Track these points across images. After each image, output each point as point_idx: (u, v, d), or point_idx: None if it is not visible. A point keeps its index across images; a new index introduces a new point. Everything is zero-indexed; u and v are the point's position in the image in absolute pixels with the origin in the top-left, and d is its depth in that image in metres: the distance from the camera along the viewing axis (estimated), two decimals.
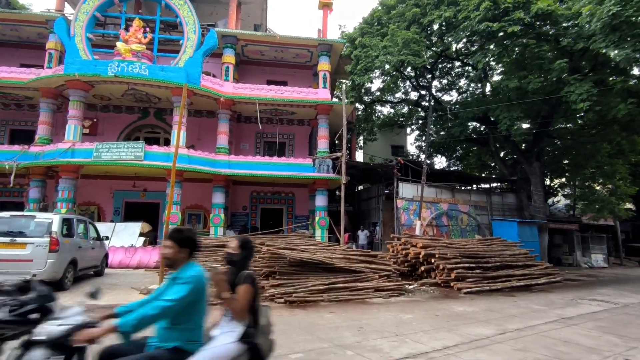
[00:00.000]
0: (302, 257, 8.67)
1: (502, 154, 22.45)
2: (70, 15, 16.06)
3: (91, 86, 14.93)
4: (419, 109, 23.81)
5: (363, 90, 20.58)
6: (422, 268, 10.59)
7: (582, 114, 16.04)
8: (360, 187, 23.18)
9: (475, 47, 18.13)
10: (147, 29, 15.63)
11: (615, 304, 8.78)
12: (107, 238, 11.01)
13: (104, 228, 12.65)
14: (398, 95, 25.06)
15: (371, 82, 18.82)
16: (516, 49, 16.03)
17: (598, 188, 21.28)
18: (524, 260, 11.76)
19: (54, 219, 8.11)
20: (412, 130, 27.36)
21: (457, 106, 20.85)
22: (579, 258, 19.95)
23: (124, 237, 13.91)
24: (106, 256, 11.13)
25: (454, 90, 23.99)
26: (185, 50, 15.41)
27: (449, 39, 18.14)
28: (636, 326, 6.55)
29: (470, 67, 20.88)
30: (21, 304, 2.62)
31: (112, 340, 2.25)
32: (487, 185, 22.65)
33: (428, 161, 17.90)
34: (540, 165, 18.78)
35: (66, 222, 8.63)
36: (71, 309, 2.64)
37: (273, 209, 19.04)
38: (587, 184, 21.26)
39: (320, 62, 17.89)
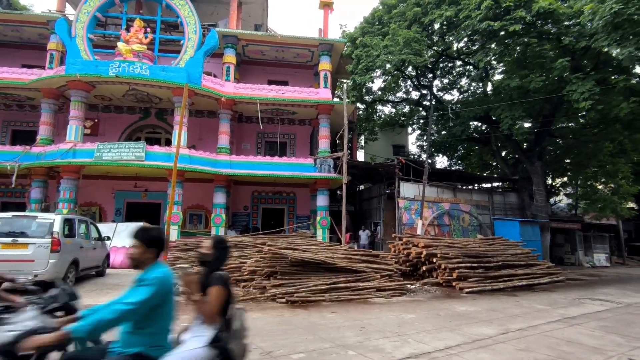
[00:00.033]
0: (304, 257, 8.66)
1: (503, 153, 22.40)
2: (72, 15, 16.08)
3: (92, 86, 14.95)
4: (420, 109, 23.76)
5: (364, 90, 20.55)
6: (424, 268, 10.57)
7: (584, 112, 15.98)
8: (362, 187, 23.15)
9: (477, 46, 18.08)
10: (148, 29, 15.64)
11: (618, 304, 8.74)
12: (108, 238, 11.02)
13: (105, 228, 12.64)
14: (399, 94, 25.04)
15: (372, 82, 18.79)
16: (517, 47, 15.97)
17: (600, 187, 21.23)
18: (526, 259, 11.73)
19: (56, 220, 8.11)
20: (414, 130, 27.32)
21: (459, 105, 20.81)
22: (581, 257, 19.89)
23: (125, 237, 13.87)
24: (108, 256, 11.14)
25: (455, 90, 23.95)
26: (186, 50, 15.41)
27: (450, 38, 18.09)
28: None
29: (471, 67, 20.83)
30: (46, 303, 2.80)
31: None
32: (488, 185, 22.60)
33: (429, 161, 17.84)
34: (542, 164, 18.72)
35: (68, 223, 8.63)
36: (24, 314, 2.52)
37: (274, 208, 19.04)
38: (589, 183, 21.20)
39: (321, 62, 17.88)
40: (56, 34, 15.46)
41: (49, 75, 15.01)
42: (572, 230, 20.13)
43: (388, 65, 16.82)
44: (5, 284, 2.92)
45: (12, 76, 15.52)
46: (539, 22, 14.55)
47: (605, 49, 12.66)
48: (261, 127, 17.90)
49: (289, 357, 4.40)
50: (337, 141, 19.71)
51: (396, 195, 16.24)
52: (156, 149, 14.63)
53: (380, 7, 19.87)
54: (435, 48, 19.68)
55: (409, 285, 9.70)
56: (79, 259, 8.65)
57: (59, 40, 15.63)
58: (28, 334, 2.17)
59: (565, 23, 14.54)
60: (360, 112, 23.98)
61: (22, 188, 15.52)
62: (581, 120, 18.75)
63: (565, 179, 23.89)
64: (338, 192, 19.07)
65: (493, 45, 16.01)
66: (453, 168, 25.92)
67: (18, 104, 17.39)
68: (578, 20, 13.72)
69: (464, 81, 23.22)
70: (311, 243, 11.38)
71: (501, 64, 19.27)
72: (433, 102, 20.25)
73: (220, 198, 15.78)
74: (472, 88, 22.92)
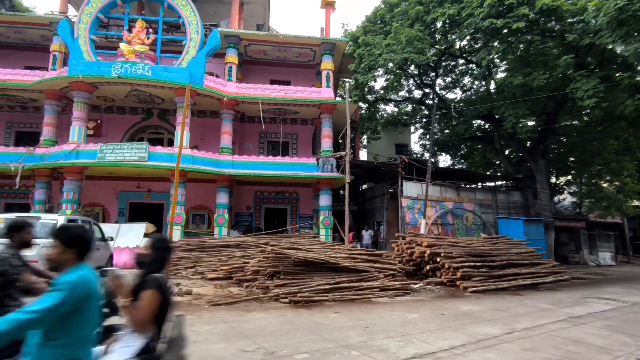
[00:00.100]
0: (307, 257, 8.63)
1: (507, 152, 22.29)
2: (74, 17, 16.13)
3: (95, 87, 14.98)
4: (423, 107, 23.68)
5: (366, 89, 20.50)
6: (428, 267, 10.52)
7: (589, 110, 15.86)
8: (365, 186, 23.10)
9: (479, 44, 17.99)
10: (150, 30, 15.66)
11: (624, 303, 8.67)
12: (111, 239, 11.04)
13: (108, 229, 12.66)
14: (402, 93, 24.95)
15: (375, 81, 18.74)
16: (521, 45, 15.88)
17: (605, 185, 21.07)
18: (530, 258, 11.66)
19: (59, 220, 8.14)
20: (416, 129, 27.25)
21: (462, 104, 20.71)
22: (586, 256, 19.76)
23: (128, 237, 13.89)
24: (111, 257, 11.17)
25: (458, 88, 23.85)
26: (188, 50, 15.42)
27: (453, 37, 18.01)
28: None
29: (474, 65, 20.74)
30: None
31: None
32: (492, 184, 22.51)
33: (432, 159, 17.76)
34: (545, 162, 18.61)
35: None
36: None
37: (277, 208, 19.02)
38: (593, 181, 21.05)
39: (324, 61, 17.84)
40: (59, 36, 15.50)
41: (52, 77, 15.05)
42: (576, 228, 20.00)
43: (390, 64, 16.76)
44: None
45: (15, 78, 15.57)
46: (542, 19, 14.45)
47: (610, 46, 12.57)
48: (263, 127, 17.88)
49: (293, 357, 4.38)
50: (340, 140, 19.66)
51: (399, 195, 16.18)
52: (159, 149, 14.64)
53: (383, 6, 19.80)
54: (437, 46, 19.60)
55: (412, 285, 9.66)
56: None
57: (62, 41, 15.67)
58: None
59: (569, 20, 14.44)
60: (363, 111, 23.92)
61: (26, 189, 15.58)
62: (585, 118, 18.62)
63: (569, 177, 23.74)
64: (341, 191, 19.04)
65: (496, 43, 15.92)
66: (456, 167, 25.83)
67: (21, 106, 17.46)
68: (582, 17, 13.61)
69: (466, 79, 23.14)
70: (314, 243, 11.36)
71: (504, 62, 19.17)
72: (436, 101, 20.16)
73: (223, 198, 15.78)
74: (475, 86, 22.83)
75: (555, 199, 24.49)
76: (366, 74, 17.08)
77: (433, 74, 21.73)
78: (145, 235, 14.38)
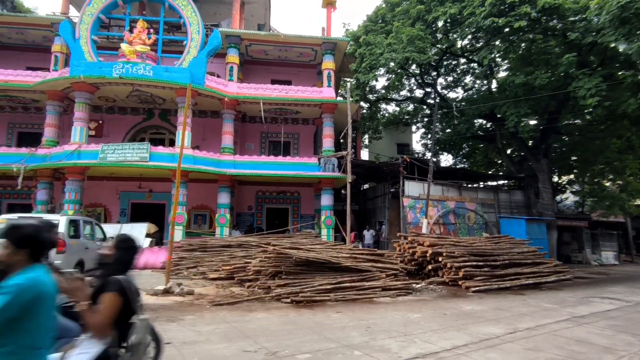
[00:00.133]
0: (308, 257, 8.62)
1: (509, 151, 22.22)
2: (75, 18, 16.16)
3: (96, 88, 15.00)
4: (425, 107, 23.64)
5: (368, 89, 20.48)
6: (430, 267, 10.49)
7: (591, 109, 15.80)
8: (366, 186, 23.07)
9: (481, 43, 17.94)
10: (151, 30, 15.67)
11: (628, 302, 8.62)
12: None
13: (110, 229, 12.65)
14: (403, 93, 24.91)
15: (376, 80, 18.73)
16: (522, 44, 15.83)
17: (608, 184, 20.98)
18: (532, 258, 11.61)
19: (61, 221, 8.14)
20: (418, 128, 27.19)
21: (463, 103, 20.66)
22: (588, 255, 19.68)
23: None
24: None
25: (459, 87, 23.78)
26: (189, 50, 15.42)
27: (454, 36, 17.97)
28: None
29: (475, 64, 20.68)
30: None
31: None
32: (494, 183, 22.45)
33: (434, 159, 17.71)
34: (547, 161, 18.55)
35: (73, 224, 8.67)
36: None
37: (278, 208, 19.01)
38: (596, 180, 20.97)
39: (325, 61, 17.82)
40: (60, 36, 15.54)
41: (54, 78, 15.07)
42: (579, 228, 19.93)
43: (392, 64, 16.73)
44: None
45: (17, 79, 15.61)
46: (544, 17, 14.40)
47: (613, 44, 12.51)
48: (265, 127, 17.87)
49: (294, 357, 4.36)
50: (341, 140, 19.63)
51: (401, 194, 16.15)
52: (160, 149, 14.65)
53: (384, 6, 19.77)
54: (439, 46, 19.56)
55: (414, 285, 9.63)
56: (84, 259, 8.68)
57: (63, 42, 15.69)
58: None
59: (571, 18, 14.38)
60: (364, 110, 23.89)
61: (28, 190, 15.62)
62: (588, 117, 18.54)
63: (571, 176, 23.66)
64: (342, 191, 19.01)
65: (497, 42, 15.88)
66: (458, 166, 25.77)
67: (23, 107, 17.51)
68: (584, 16, 13.56)
69: (468, 79, 23.08)
70: (316, 242, 11.35)
71: (506, 61, 19.12)
72: (437, 100, 20.12)
73: (224, 198, 15.79)
74: (476, 85, 22.77)
75: (558, 198, 24.40)
76: (367, 73, 17.05)
77: (434, 73, 21.68)
78: (147, 235, 14.42)
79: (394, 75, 20.49)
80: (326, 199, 16.49)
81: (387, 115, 26.34)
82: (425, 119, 24.75)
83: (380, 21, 19.29)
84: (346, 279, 8.47)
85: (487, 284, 9.66)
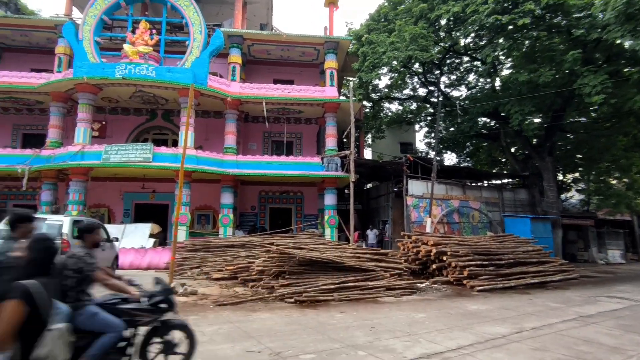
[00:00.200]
0: (312, 256, 8.58)
1: (513, 149, 22.07)
2: (79, 19, 16.21)
3: (99, 89, 15.05)
4: (428, 105, 23.52)
5: (371, 88, 20.38)
6: (434, 266, 10.43)
7: (597, 107, 15.64)
8: (369, 185, 23.00)
9: (484, 41, 17.80)
10: (154, 31, 15.70)
11: (636, 301, 8.52)
12: (117, 239, 11.06)
13: (114, 229, 12.71)
14: (406, 91, 24.77)
15: (379, 79, 18.63)
16: (526, 41, 15.67)
17: (614, 182, 20.78)
18: (537, 257, 11.52)
19: (65, 221, 8.16)
20: (421, 127, 27.04)
21: (467, 101, 20.54)
22: (594, 254, 19.51)
23: (134, 238, 13.98)
24: (116, 257, 11.17)
25: (462, 86, 23.62)
26: (192, 51, 15.43)
27: (457, 34, 17.83)
28: None
29: (479, 62, 20.52)
30: (151, 296, 3.30)
31: None
32: (498, 181, 22.29)
33: (438, 158, 17.62)
34: (552, 160, 18.40)
35: (76, 224, 8.67)
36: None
37: (282, 208, 19.00)
38: (602, 178, 20.78)
39: (327, 60, 17.77)
40: (64, 38, 15.60)
41: (57, 79, 15.15)
42: (584, 226, 19.76)
43: (394, 62, 16.65)
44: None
45: (21, 80, 15.70)
46: (549, 14, 14.26)
47: (618, 41, 12.36)
48: (267, 127, 17.85)
49: (298, 357, 4.33)
50: (344, 139, 19.60)
51: (404, 193, 16.07)
52: (163, 150, 14.68)
53: (386, 4, 19.69)
54: (442, 44, 19.45)
55: (418, 284, 9.58)
56: None
57: (67, 44, 15.76)
58: None
59: (576, 15, 14.23)
60: (367, 110, 23.80)
61: (33, 191, 15.70)
62: (593, 115, 18.34)
63: (576, 174, 23.46)
64: (345, 190, 18.96)
65: (501, 40, 15.73)
66: (462, 165, 25.61)
67: (28, 108, 17.60)
68: (589, 12, 13.42)
69: (471, 77, 22.90)
70: (319, 242, 11.32)
71: (509, 59, 18.95)
72: (441, 99, 20.01)
73: (227, 198, 15.79)
74: (480, 84, 22.61)
75: (563, 196, 24.21)
76: (370, 72, 16.98)
77: (437, 71, 21.56)
78: (151, 235, 14.46)
79: (396, 74, 20.38)
80: (329, 199, 16.45)
81: (390, 114, 26.23)
82: (429, 118, 24.62)
83: (382, 20, 19.20)
84: (350, 278, 8.43)
85: (492, 283, 9.58)
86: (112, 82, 14.50)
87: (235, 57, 17.07)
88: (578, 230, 20.13)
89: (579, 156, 20.97)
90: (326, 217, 16.29)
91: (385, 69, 18.22)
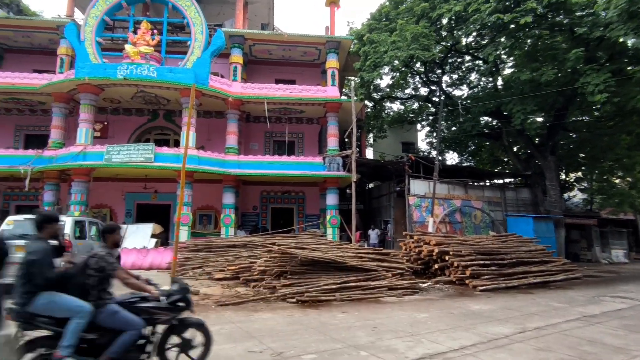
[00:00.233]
0: (313, 256, 8.56)
1: (515, 149, 21.98)
2: (81, 20, 16.24)
3: (101, 89, 15.07)
4: (429, 105, 23.47)
5: (372, 87, 20.33)
6: (436, 266, 10.39)
7: (599, 105, 15.56)
8: (371, 185, 22.96)
9: (486, 40, 17.75)
10: (155, 31, 15.72)
11: None
12: None
13: None
14: (408, 91, 24.74)
15: (380, 79, 18.59)
16: (528, 40, 15.62)
17: (617, 181, 20.67)
18: (540, 256, 11.46)
19: (66, 222, 8.17)
20: (423, 127, 26.98)
21: (469, 101, 20.47)
22: (598, 254, 19.41)
23: (136, 238, 13.99)
24: (119, 258, 11.19)
25: (464, 85, 23.57)
26: (193, 51, 15.44)
27: (459, 33, 17.78)
28: None
29: (480, 61, 20.48)
30: (169, 294, 3.41)
31: None
32: (500, 181, 22.21)
33: (440, 157, 17.56)
34: (555, 159, 18.31)
35: (78, 225, 8.70)
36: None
37: (283, 208, 18.99)
38: (605, 177, 20.67)
39: (329, 60, 17.75)
40: (66, 39, 15.63)
41: (59, 80, 15.19)
42: (588, 226, 19.66)
43: (396, 61, 16.61)
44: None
45: (23, 81, 15.74)
46: (551, 13, 14.19)
47: (621, 39, 12.28)
48: (269, 127, 17.84)
49: (300, 357, 4.31)
50: (346, 139, 19.57)
51: (406, 193, 16.04)
52: (165, 150, 14.69)
53: (387, 3, 19.65)
54: (443, 43, 19.38)
55: (421, 284, 9.54)
56: None
57: (69, 45, 15.79)
58: None
59: (578, 13, 14.16)
60: (369, 109, 23.79)
61: (36, 191, 15.74)
62: (596, 113, 18.26)
63: (579, 173, 23.36)
64: (347, 190, 18.94)
65: (503, 39, 15.69)
66: (464, 164, 25.55)
67: (30, 109, 17.65)
68: (592, 10, 13.34)
69: (473, 76, 22.85)
70: (321, 242, 11.30)
71: (511, 58, 18.90)
72: (442, 98, 19.95)
73: (229, 198, 15.79)
74: (482, 83, 22.54)
75: (565, 195, 24.10)
76: (372, 71, 16.95)
77: (439, 71, 21.50)
78: (153, 236, 14.48)
79: (398, 74, 20.32)
80: (331, 199, 16.43)
81: (391, 113, 26.20)
82: (430, 117, 24.56)
83: (384, 19, 19.16)
84: (352, 278, 8.41)
85: (494, 283, 9.54)
86: (113, 82, 14.52)
87: (237, 57, 17.07)
88: (581, 230, 20.04)
89: (581, 155, 20.87)
90: (328, 217, 16.27)
91: (386, 69, 18.19)
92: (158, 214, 16.65)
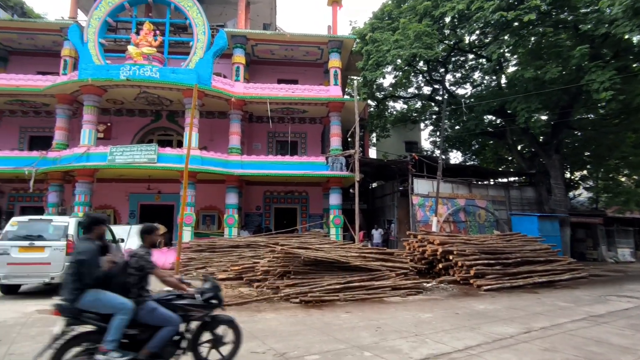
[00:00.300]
0: (317, 256, 8.53)
1: (519, 147, 21.84)
2: (84, 22, 16.32)
3: (104, 90, 15.13)
4: (433, 104, 23.37)
5: (375, 86, 20.30)
6: (440, 265, 10.33)
7: (604, 103, 15.41)
8: (375, 185, 22.91)
9: (489, 38, 17.65)
10: (158, 32, 15.76)
11: None
12: (122, 240, 11.09)
13: (119, 230, 12.73)
14: (411, 90, 24.67)
15: (383, 78, 18.56)
16: (532, 38, 15.51)
17: (623, 179, 20.47)
18: (545, 255, 11.37)
19: (70, 222, 8.19)
20: (426, 126, 26.90)
21: (472, 99, 20.36)
22: (604, 253, 19.22)
23: (139, 239, 14.01)
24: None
25: (468, 84, 23.44)
26: (196, 51, 15.46)
27: (462, 31, 17.70)
28: None
29: (484, 59, 20.35)
30: (202, 292, 3.56)
31: None
32: (504, 180, 22.08)
33: (443, 156, 17.47)
34: (559, 157, 18.17)
35: (82, 226, 8.70)
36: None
37: (287, 208, 18.98)
38: (610, 175, 20.48)
39: (331, 59, 17.72)
40: (69, 41, 15.72)
41: (63, 81, 15.26)
42: (593, 224, 19.48)
43: (399, 60, 16.55)
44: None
45: (27, 83, 15.83)
46: (555, 10, 14.09)
47: (627, 36, 12.15)
48: (272, 127, 17.84)
49: (303, 358, 4.29)
50: (349, 139, 19.51)
51: (410, 192, 15.97)
52: (168, 150, 14.73)
53: (390, 2, 19.58)
54: (446, 42, 19.30)
55: (425, 284, 9.49)
56: None
57: (72, 46, 15.88)
58: None
59: (583, 10, 14.05)
60: (372, 109, 23.71)
61: (40, 192, 15.85)
62: (601, 111, 18.10)
63: (584, 172, 23.15)
64: (350, 190, 18.89)
65: (506, 37, 15.58)
66: (468, 163, 25.42)
67: (34, 111, 17.76)
68: (596, 7, 13.21)
69: (476, 74, 22.72)
70: (324, 242, 11.26)
71: (515, 56, 18.79)
72: (446, 97, 19.86)
73: (232, 198, 15.80)
74: (485, 81, 22.42)
75: (571, 194, 23.90)
76: (374, 71, 16.90)
77: (442, 69, 21.41)
78: None
79: (401, 73, 20.28)
80: (334, 198, 16.39)
81: (394, 113, 26.11)
82: (434, 116, 24.47)
83: (386, 18, 19.11)
84: (355, 278, 8.37)
85: (499, 283, 9.47)
86: (116, 83, 14.57)
87: (239, 57, 17.08)
88: (587, 229, 19.85)
89: (587, 153, 20.69)
90: (331, 217, 16.24)
91: (389, 68, 18.13)
92: (161, 215, 16.69)
